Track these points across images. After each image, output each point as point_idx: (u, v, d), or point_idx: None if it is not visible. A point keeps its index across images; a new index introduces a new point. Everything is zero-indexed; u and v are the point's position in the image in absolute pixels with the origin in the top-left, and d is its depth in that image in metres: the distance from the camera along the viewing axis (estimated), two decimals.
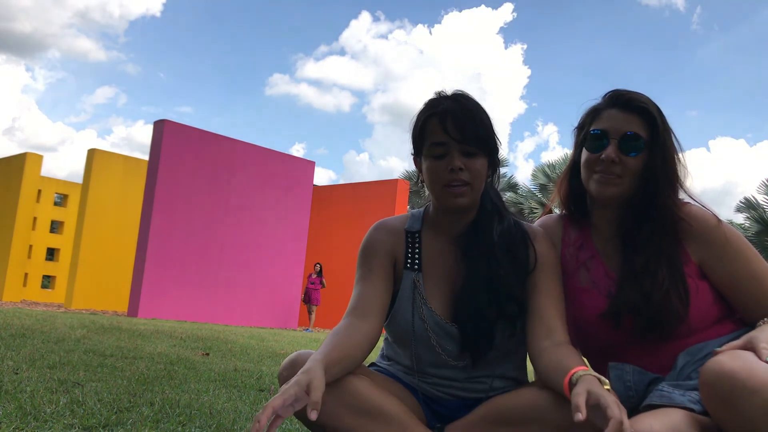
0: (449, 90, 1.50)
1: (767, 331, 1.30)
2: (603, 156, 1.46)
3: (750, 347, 1.23)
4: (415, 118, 1.51)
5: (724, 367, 1.16)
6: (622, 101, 1.50)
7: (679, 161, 1.51)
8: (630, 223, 1.51)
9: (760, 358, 1.18)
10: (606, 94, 1.54)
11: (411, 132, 1.53)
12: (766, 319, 1.39)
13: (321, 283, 13.88)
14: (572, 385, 1.19)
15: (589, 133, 1.52)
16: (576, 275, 1.56)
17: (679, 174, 1.50)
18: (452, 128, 1.42)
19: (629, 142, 1.46)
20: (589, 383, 1.16)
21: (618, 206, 1.52)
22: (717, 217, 1.50)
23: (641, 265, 1.46)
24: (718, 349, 1.26)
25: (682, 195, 1.53)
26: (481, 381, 1.49)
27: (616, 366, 1.50)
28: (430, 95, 1.51)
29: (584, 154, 1.53)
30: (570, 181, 1.62)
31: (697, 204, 1.52)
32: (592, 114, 1.54)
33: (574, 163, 1.61)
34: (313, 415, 1.16)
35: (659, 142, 1.47)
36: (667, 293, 1.42)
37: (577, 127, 1.60)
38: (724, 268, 1.47)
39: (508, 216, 1.53)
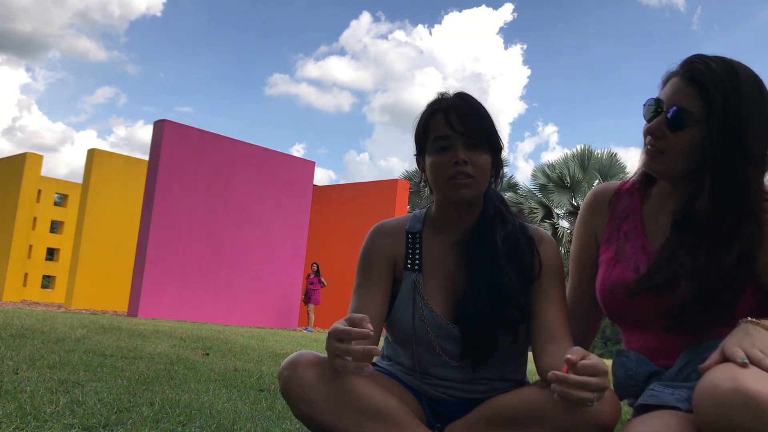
0: (452, 91, 1.50)
1: (752, 333, 1.14)
2: (647, 128, 1.38)
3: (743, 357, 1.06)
4: (418, 118, 1.51)
5: (745, 390, 0.99)
6: (685, 71, 1.36)
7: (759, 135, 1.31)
8: (687, 199, 1.38)
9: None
10: (684, 59, 1.39)
11: (414, 131, 1.52)
12: (744, 319, 1.20)
13: (320, 282, 13.86)
14: None
15: (649, 99, 1.41)
16: (612, 245, 1.50)
17: (758, 148, 1.31)
18: (456, 121, 1.42)
19: (675, 117, 1.33)
20: None
21: (673, 182, 1.41)
22: None
23: (690, 245, 1.33)
24: (704, 365, 1.11)
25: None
26: (482, 382, 1.48)
27: (621, 353, 1.46)
28: (433, 96, 1.51)
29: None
30: None
31: None
32: (666, 79, 1.42)
33: None
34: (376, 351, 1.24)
35: (717, 116, 1.29)
36: (714, 283, 1.28)
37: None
38: None
39: (512, 220, 1.51)
